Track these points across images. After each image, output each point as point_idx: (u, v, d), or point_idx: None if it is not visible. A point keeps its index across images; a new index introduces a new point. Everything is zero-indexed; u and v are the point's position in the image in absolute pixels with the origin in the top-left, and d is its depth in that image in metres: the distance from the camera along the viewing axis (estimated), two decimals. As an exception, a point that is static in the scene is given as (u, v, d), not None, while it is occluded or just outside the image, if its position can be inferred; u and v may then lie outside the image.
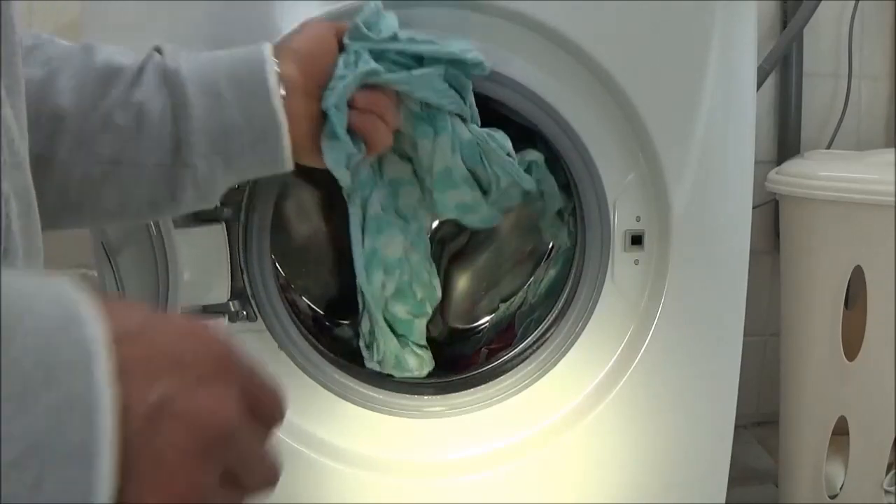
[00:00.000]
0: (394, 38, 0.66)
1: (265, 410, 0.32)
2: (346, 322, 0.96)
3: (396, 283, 0.83)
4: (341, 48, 0.65)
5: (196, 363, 0.29)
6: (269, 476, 0.33)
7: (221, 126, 0.56)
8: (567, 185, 0.83)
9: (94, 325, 0.27)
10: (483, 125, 0.75)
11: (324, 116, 0.63)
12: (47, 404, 0.25)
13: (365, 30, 0.66)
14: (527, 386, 0.84)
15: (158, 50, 0.58)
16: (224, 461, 0.30)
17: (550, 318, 0.87)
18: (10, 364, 0.25)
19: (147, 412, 0.27)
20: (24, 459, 0.25)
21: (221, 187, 0.60)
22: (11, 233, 0.36)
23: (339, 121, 0.63)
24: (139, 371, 0.28)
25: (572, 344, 0.83)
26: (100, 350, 0.27)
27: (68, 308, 0.27)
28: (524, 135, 0.79)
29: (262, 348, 0.79)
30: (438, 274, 0.88)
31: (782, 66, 1.34)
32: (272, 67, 0.58)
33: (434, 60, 0.68)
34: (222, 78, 0.57)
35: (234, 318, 0.77)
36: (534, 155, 0.81)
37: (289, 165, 0.60)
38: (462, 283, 1.03)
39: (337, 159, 0.65)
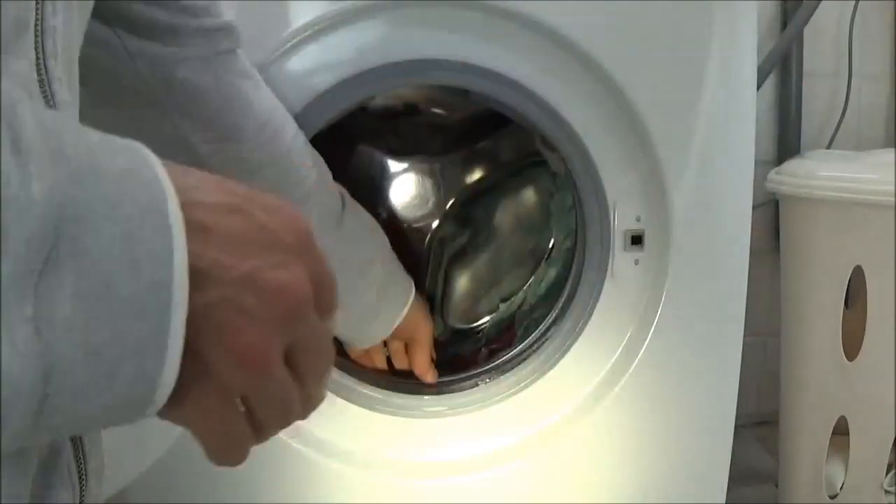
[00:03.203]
0: None
1: (326, 297, 0.33)
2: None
3: None
4: None
5: (284, 241, 0.31)
6: (323, 361, 0.34)
7: None
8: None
9: (177, 212, 0.28)
10: (484, 125, 0.75)
11: None
12: (129, 295, 0.27)
13: None
14: (527, 386, 0.84)
15: None
16: (293, 335, 0.31)
17: (550, 318, 0.87)
18: (101, 253, 0.26)
19: (238, 279, 0.29)
20: (104, 349, 0.26)
21: None
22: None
23: None
24: (237, 243, 0.30)
25: (572, 344, 0.83)
26: (180, 237, 0.28)
27: (154, 191, 0.28)
28: (524, 134, 0.79)
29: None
30: (438, 274, 0.87)
31: (782, 66, 1.34)
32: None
33: None
34: None
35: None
36: None
37: None
38: (462, 283, 1.03)
39: None
